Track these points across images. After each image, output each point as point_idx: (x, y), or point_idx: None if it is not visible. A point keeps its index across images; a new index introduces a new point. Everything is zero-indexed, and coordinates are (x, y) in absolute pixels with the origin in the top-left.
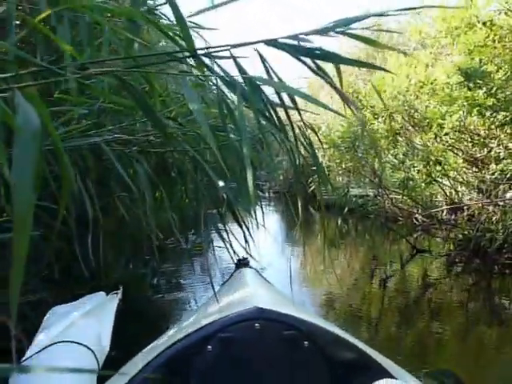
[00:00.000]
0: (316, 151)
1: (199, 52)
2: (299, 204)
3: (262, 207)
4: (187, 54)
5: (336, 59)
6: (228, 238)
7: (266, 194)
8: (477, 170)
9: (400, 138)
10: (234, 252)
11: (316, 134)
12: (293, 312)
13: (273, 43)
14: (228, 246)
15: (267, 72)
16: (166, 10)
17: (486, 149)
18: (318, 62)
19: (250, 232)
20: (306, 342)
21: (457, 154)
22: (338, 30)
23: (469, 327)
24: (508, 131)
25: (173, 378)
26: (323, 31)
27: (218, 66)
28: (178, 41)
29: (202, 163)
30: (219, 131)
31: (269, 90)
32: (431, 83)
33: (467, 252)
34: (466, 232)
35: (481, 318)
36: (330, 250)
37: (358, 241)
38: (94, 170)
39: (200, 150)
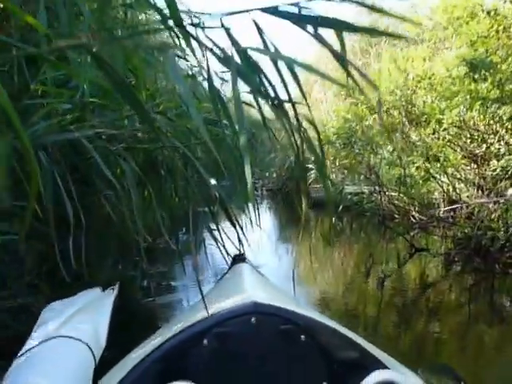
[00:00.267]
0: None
1: (185, 21)
2: (303, 203)
3: (256, 205)
4: (171, 24)
5: (341, 25)
6: (220, 236)
7: (259, 192)
8: (476, 166)
9: (397, 134)
10: (228, 253)
11: (314, 126)
12: (289, 306)
13: (271, 10)
14: (220, 245)
15: (265, 45)
16: None
17: (485, 145)
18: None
19: (243, 230)
20: (302, 336)
21: (455, 150)
22: None
23: (469, 327)
24: (509, 126)
25: (169, 373)
26: None
27: (208, 38)
28: (162, 10)
29: (193, 160)
30: (211, 124)
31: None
32: (429, 78)
33: (467, 251)
34: (466, 230)
35: (481, 318)
36: (325, 249)
37: (354, 239)
38: (78, 167)
39: (191, 145)
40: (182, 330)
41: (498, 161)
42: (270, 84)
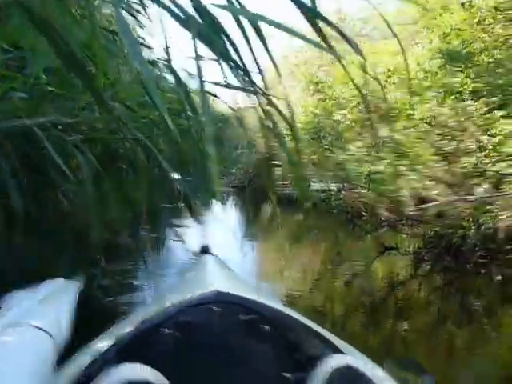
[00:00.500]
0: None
1: None
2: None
3: (222, 202)
4: None
5: None
6: (184, 232)
7: (225, 189)
8: (446, 163)
9: (366, 130)
10: (192, 248)
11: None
12: (253, 296)
13: None
14: (185, 240)
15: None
16: None
17: (455, 142)
18: None
19: (207, 226)
20: (266, 327)
21: (426, 147)
22: None
23: (438, 327)
24: (479, 123)
25: (130, 362)
26: None
27: None
28: None
29: (155, 152)
30: (174, 115)
31: None
32: (399, 72)
33: (438, 249)
34: (436, 229)
35: (451, 318)
36: (292, 246)
37: (321, 237)
38: (31, 158)
39: (153, 136)
40: (144, 319)
41: (469, 158)
42: (237, 52)
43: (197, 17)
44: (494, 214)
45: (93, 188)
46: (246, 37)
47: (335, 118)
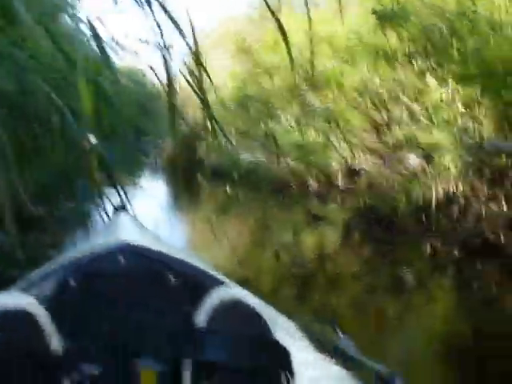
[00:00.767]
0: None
1: None
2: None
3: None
4: None
5: None
6: (103, 202)
7: (153, 161)
8: (377, 133)
9: (295, 98)
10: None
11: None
12: (162, 249)
13: None
14: (104, 211)
15: None
16: None
17: (386, 111)
18: None
19: (127, 196)
20: (173, 279)
21: (357, 117)
22: None
23: (368, 298)
24: (410, 94)
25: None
26: None
27: None
28: None
29: (66, 113)
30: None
31: None
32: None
33: (369, 221)
34: (366, 200)
35: (381, 289)
36: (220, 219)
37: (249, 208)
38: None
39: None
40: (49, 271)
41: (400, 129)
42: None
43: None
44: (425, 185)
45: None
46: None
47: (264, 86)
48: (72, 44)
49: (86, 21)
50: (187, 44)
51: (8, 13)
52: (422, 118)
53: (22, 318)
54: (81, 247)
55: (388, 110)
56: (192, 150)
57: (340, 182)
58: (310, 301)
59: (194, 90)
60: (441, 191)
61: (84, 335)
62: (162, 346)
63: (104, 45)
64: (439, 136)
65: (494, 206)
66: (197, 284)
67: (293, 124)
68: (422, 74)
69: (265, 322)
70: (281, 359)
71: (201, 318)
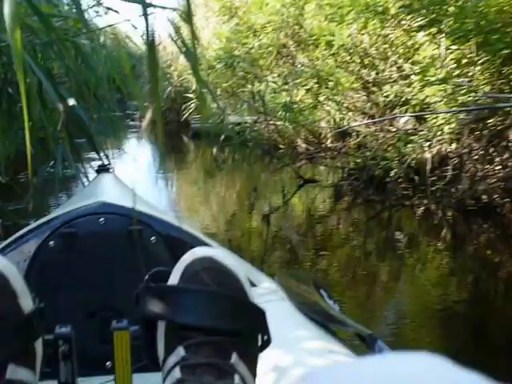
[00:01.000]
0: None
1: None
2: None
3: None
4: None
5: None
6: (83, 167)
7: (137, 123)
8: (367, 93)
9: (283, 58)
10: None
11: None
12: (143, 208)
13: None
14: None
15: None
16: None
17: (375, 71)
18: None
19: (109, 160)
20: (153, 237)
21: (346, 76)
22: None
23: (360, 262)
24: (401, 51)
25: None
26: None
27: None
28: None
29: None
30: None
31: None
32: None
33: (360, 182)
34: (358, 160)
35: (372, 252)
36: (206, 181)
37: (237, 171)
38: None
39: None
40: (26, 232)
41: (392, 86)
42: None
43: None
44: (417, 145)
45: None
46: None
47: (250, 46)
48: (49, 2)
49: None
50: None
51: None
52: (413, 76)
53: None
54: (61, 208)
55: (378, 69)
56: (177, 113)
57: (330, 142)
58: (300, 263)
59: (181, 50)
60: (434, 151)
61: (60, 296)
62: (134, 306)
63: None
64: (431, 94)
65: (489, 167)
66: (177, 243)
67: (280, 84)
68: (412, 32)
69: (241, 283)
70: (257, 321)
71: (172, 276)
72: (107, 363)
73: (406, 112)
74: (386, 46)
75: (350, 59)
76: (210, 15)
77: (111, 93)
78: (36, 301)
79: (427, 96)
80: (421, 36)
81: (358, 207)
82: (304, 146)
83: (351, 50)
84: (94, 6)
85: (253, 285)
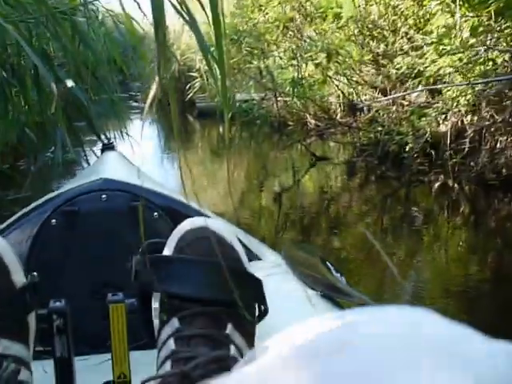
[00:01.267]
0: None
1: None
2: None
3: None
4: None
5: None
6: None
7: (142, 105)
8: (378, 66)
9: (291, 32)
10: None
11: None
12: (147, 184)
13: None
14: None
15: None
16: None
17: (384, 43)
18: None
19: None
20: (155, 213)
21: (356, 49)
22: None
23: (374, 240)
24: (411, 22)
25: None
26: None
27: None
28: None
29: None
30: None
31: None
32: None
33: (374, 158)
34: (371, 135)
35: (390, 230)
36: (213, 161)
37: (245, 150)
38: None
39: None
40: (28, 210)
41: (404, 58)
42: None
43: None
44: (432, 118)
45: None
46: None
47: (256, 21)
48: None
49: None
50: None
51: None
52: (426, 47)
53: None
54: (64, 187)
55: (388, 42)
56: (182, 92)
57: (340, 118)
58: (314, 243)
59: (187, 22)
60: (450, 124)
61: (63, 274)
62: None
63: None
64: (446, 65)
65: (509, 138)
66: (181, 219)
67: (288, 59)
68: (424, 0)
69: (237, 252)
70: (254, 291)
71: (166, 247)
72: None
73: (419, 84)
74: (396, 17)
75: (359, 32)
76: None
77: (112, 74)
78: (29, 276)
79: (441, 67)
80: (434, 5)
81: (372, 184)
82: (314, 122)
83: (360, 23)
84: None
85: (258, 258)
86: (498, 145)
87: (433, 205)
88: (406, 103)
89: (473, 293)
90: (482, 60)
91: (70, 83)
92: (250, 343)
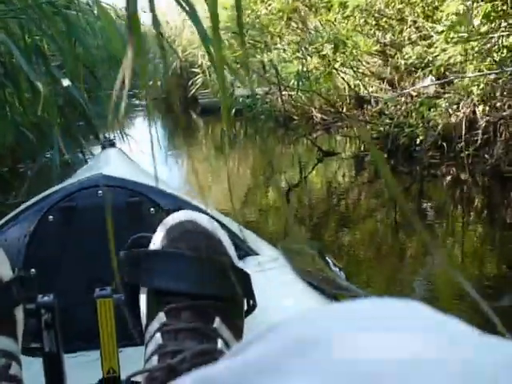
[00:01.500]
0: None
1: None
2: None
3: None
4: None
5: None
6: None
7: (143, 102)
8: (385, 57)
9: (295, 23)
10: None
11: None
12: (145, 180)
13: None
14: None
15: None
16: None
17: (391, 33)
18: None
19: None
20: (151, 209)
21: (363, 40)
22: None
23: (388, 237)
24: (418, 10)
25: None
26: None
27: None
28: None
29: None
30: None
31: None
32: None
33: (383, 152)
34: (380, 128)
35: (400, 226)
36: (218, 157)
37: (249, 146)
38: None
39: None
40: (26, 207)
41: (413, 48)
42: None
43: None
44: (443, 109)
45: None
46: None
47: (258, 12)
48: None
49: None
50: None
51: None
52: (436, 36)
53: None
54: (62, 183)
55: (395, 31)
56: (184, 89)
57: (347, 111)
58: (325, 240)
59: (187, 13)
60: (462, 116)
61: (60, 270)
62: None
63: None
64: (457, 54)
65: None
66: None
67: (292, 52)
68: None
69: (224, 246)
70: (242, 286)
71: (153, 241)
72: None
73: (429, 74)
74: (402, 5)
75: (365, 22)
76: None
77: (111, 71)
78: (16, 270)
79: (452, 56)
80: None
81: (382, 179)
82: (319, 115)
83: (366, 12)
84: None
85: (255, 253)
86: None
87: (446, 198)
88: (414, 94)
89: (489, 289)
90: (496, 48)
91: (66, 82)
92: (238, 337)
